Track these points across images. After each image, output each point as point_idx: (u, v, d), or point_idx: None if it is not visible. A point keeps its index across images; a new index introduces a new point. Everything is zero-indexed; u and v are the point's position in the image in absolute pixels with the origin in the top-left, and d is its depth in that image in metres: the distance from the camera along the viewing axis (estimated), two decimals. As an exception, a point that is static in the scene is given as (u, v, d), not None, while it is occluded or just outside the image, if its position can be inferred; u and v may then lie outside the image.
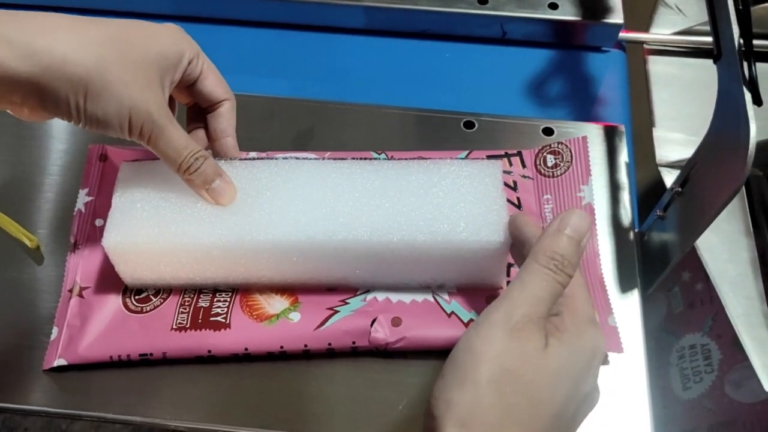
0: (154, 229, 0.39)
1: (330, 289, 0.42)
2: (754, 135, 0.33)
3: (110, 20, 0.36)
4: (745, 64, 0.35)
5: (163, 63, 0.37)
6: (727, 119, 0.36)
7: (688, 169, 0.41)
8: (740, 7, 0.37)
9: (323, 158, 0.45)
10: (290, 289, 0.42)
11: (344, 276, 0.41)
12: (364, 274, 0.41)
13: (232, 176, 0.40)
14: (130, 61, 0.35)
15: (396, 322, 0.40)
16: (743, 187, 0.50)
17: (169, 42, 0.37)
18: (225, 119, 0.42)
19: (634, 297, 0.43)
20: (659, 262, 0.44)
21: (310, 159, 0.42)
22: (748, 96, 0.34)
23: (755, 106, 0.35)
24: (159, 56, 0.37)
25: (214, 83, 0.41)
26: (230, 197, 0.39)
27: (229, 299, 0.41)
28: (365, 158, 0.45)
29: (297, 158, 0.42)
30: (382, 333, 0.40)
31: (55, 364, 0.40)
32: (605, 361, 0.41)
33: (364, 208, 0.39)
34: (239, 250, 0.39)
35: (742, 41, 0.36)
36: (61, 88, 0.34)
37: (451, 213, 0.39)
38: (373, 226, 0.39)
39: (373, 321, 0.40)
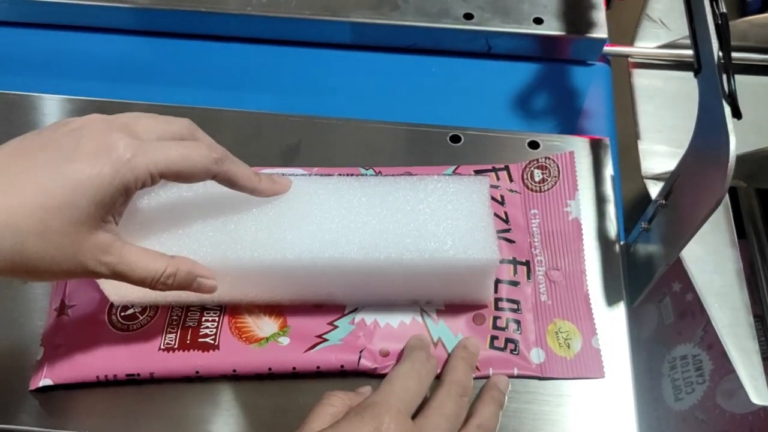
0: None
1: (317, 306, 0.42)
2: (733, 148, 0.34)
3: (35, 183, 0.31)
4: (725, 78, 0.35)
5: (99, 209, 0.33)
6: (708, 132, 0.37)
7: (672, 181, 0.41)
8: (719, 22, 0.37)
9: (311, 174, 0.45)
10: (278, 309, 0.42)
11: (331, 293, 0.41)
12: (351, 291, 0.41)
13: (218, 192, 0.39)
14: (53, 233, 0.32)
15: (384, 352, 0.40)
16: (727, 198, 0.50)
17: (102, 182, 0.32)
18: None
19: (620, 309, 0.44)
20: (645, 273, 0.44)
21: (298, 175, 0.42)
22: (727, 109, 0.35)
23: (735, 120, 0.35)
24: (91, 205, 0.32)
25: (186, 178, 0.36)
26: (213, 287, 0.39)
27: (217, 318, 0.41)
28: (353, 174, 0.45)
29: (283, 174, 0.43)
30: (371, 362, 0.40)
31: (41, 384, 0.40)
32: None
33: (351, 225, 0.39)
34: (225, 269, 0.39)
35: (721, 55, 0.36)
36: None
37: (437, 230, 0.39)
38: (360, 244, 0.39)
39: (361, 352, 0.40)
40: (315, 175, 0.43)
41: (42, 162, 0.32)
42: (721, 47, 0.36)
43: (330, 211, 0.40)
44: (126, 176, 0.33)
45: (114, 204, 0.33)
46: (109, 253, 0.34)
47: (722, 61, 0.36)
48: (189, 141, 0.36)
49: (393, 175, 0.44)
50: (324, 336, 0.41)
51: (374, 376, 0.40)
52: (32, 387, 0.40)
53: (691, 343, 0.60)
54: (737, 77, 0.57)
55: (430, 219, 0.40)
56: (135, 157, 0.33)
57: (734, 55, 0.54)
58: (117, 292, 0.41)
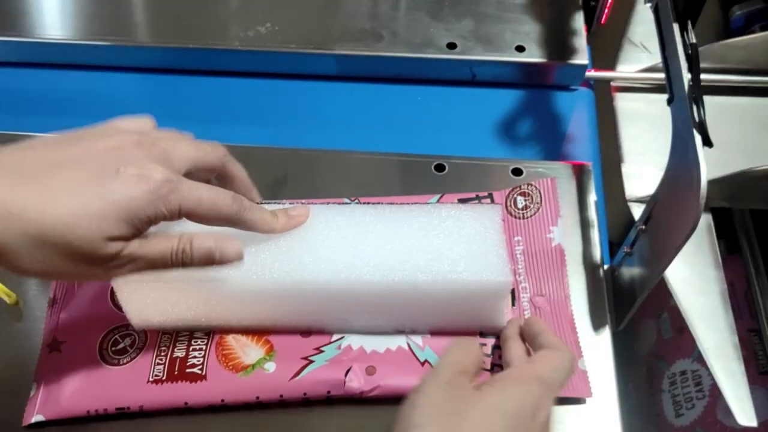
0: None
1: (304, 333, 0.43)
2: (704, 177, 0.34)
3: (72, 193, 0.33)
4: (695, 107, 0.36)
5: (125, 227, 0.34)
6: (682, 159, 0.37)
7: (651, 206, 0.42)
8: (689, 52, 0.38)
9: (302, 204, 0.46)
10: (266, 334, 0.42)
11: (333, 318, 0.42)
12: (354, 317, 0.42)
13: None
14: (79, 239, 0.33)
15: (370, 371, 0.40)
16: (710, 220, 0.50)
17: (135, 207, 0.34)
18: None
19: (605, 333, 0.44)
20: (629, 297, 0.45)
21: (315, 204, 0.43)
22: (698, 138, 0.35)
23: (715, 142, 0.36)
24: (120, 222, 0.34)
25: (209, 221, 0.37)
26: (237, 251, 0.39)
27: (204, 347, 0.42)
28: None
29: (302, 203, 0.43)
30: (357, 382, 0.40)
31: (33, 420, 0.40)
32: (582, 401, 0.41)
33: (367, 249, 0.40)
34: (245, 290, 0.40)
35: (691, 85, 0.37)
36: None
37: (451, 254, 0.40)
38: (376, 266, 0.40)
39: (348, 370, 0.40)
40: (331, 204, 0.44)
41: (81, 174, 0.33)
42: (692, 78, 0.37)
43: (347, 236, 0.41)
44: (159, 208, 0.34)
45: (139, 229, 0.35)
46: (130, 255, 0.35)
47: (692, 89, 0.37)
48: (218, 188, 0.37)
49: (406, 204, 0.44)
50: (310, 358, 0.41)
51: (361, 402, 0.41)
52: (25, 423, 0.40)
53: (690, 359, 0.60)
54: (719, 99, 0.58)
55: (444, 244, 0.40)
56: (170, 194, 0.34)
57: (715, 77, 0.55)
58: (139, 316, 0.42)
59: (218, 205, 0.37)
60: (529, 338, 0.40)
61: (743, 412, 0.44)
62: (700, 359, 0.57)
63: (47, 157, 0.34)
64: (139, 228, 0.35)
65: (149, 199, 0.34)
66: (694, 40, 0.38)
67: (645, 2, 0.43)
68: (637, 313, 0.46)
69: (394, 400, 0.40)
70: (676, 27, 0.38)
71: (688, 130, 0.36)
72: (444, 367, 0.34)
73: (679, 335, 0.61)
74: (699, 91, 0.36)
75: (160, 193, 0.34)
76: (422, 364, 0.41)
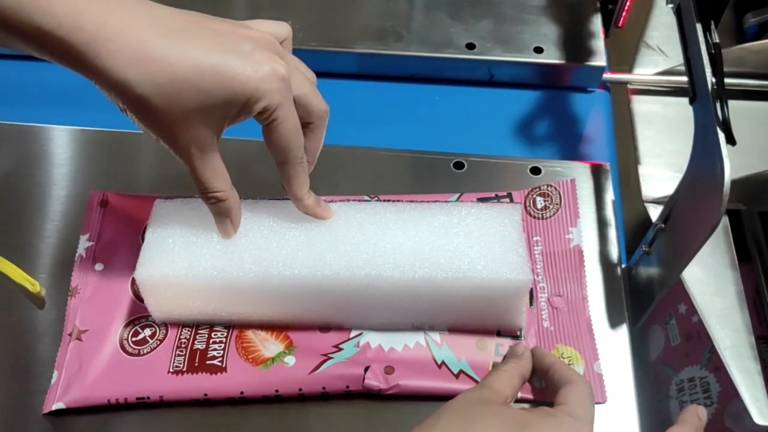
0: (184, 263, 0.40)
1: (323, 329, 0.43)
2: (728, 173, 0.34)
3: (197, 54, 0.34)
4: (718, 106, 0.36)
5: (222, 111, 0.35)
6: (704, 158, 0.38)
7: (670, 205, 0.42)
8: (713, 52, 0.38)
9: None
10: (284, 329, 0.43)
11: (351, 314, 0.42)
12: (377, 313, 0.42)
13: (261, 214, 0.42)
14: (183, 107, 0.34)
15: (389, 370, 0.41)
16: (727, 221, 0.51)
17: (247, 90, 0.35)
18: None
19: (623, 331, 0.44)
20: (647, 296, 0.45)
21: (336, 202, 0.44)
22: (721, 136, 0.36)
23: (732, 144, 0.36)
24: (223, 106, 0.35)
25: (274, 141, 0.38)
26: (227, 233, 0.41)
27: (224, 339, 0.42)
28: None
29: (322, 200, 0.44)
30: (376, 380, 0.40)
31: (54, 407, 0.40)
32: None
33: (387, 246, 0.41)
34: (266, 285, 0.40)
35: (715, 83, 0.37)
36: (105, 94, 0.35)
37: (471, 252, 0.40)
38: (396, 263, 0.40)
39: (367, 368, 0.41)
40: (351, 201, 0.44)
41: (217, 42, 0.35)
42: (715, 76, 0.37)
43: (367, 233, 0.41)
44: (265, 95, 0.35)
45: (231, 115, 0.36)
46: (199, 149, 0.36)
47: (716, 88, 0.37)
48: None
49: (427, 201, 0.45)
50: (329, 355, 0.41)
51: (381, 398, 0.41)
52: (45, 410, 0.41)
53: (698, 365, 0.60)
54: (735, 103, 0.58)
55: (464, 242, 0.41)
56: (279, 92, 0.35)
57: (732, 81, 0.55)
58: (160, 308, 0.42)
59: (293, 140, 0.38)
60: (540, 371, 0.40)
61: (759, 411, 0.45)
62: (708, 366, 0.57)
63: (194, 21, 0.35)
64: (231, 113, 0.35)
65: (263, 81, 0.35)
66: (717, 40, 0.38)
67: (667, 3, 0.43)
68: (645, 320, 0.47)
69: (414, 396, 0.41)
70: (699, 27, 0.39)
71: (711, 128, 0.36)
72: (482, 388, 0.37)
73: (687, 342, 0.61)
74: (723, 89, 0.37)
75: (272, 85, 0.35)
76: (439, 366, 0.41)
